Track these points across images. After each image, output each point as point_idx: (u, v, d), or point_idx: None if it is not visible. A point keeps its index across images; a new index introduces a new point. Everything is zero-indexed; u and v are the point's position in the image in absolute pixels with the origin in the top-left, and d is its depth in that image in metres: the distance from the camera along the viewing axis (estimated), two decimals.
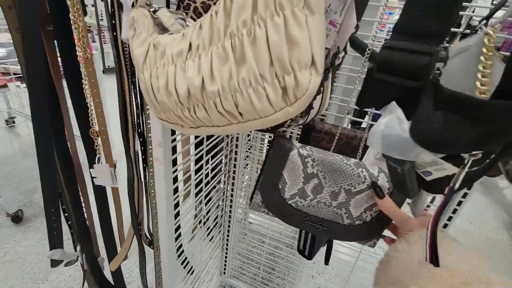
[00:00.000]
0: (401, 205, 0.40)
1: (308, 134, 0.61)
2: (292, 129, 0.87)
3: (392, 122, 0.24)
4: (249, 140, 0.97)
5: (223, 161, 0.84)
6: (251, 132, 0.94)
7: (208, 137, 0.67)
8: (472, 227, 1.78)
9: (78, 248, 0.79)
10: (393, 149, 0.25)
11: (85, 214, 0.76)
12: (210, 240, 0.99)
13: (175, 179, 0.55)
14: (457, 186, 0.24)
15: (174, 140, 0.52)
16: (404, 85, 0.23)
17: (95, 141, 0.60)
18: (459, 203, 0.61)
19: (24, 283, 1.08)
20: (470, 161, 0.23)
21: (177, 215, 0.61)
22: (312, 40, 0.21)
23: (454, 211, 0.63)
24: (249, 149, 1.03)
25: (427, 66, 0.22)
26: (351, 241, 0.47)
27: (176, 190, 0.57)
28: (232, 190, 0.88)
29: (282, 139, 0.46)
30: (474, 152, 0.22)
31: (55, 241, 0.69)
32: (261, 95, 0.23)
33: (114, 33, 0.41)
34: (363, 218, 0.43)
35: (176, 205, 0.59)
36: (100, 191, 0.71)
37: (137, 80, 0.51)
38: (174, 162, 0.58)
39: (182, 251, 0.87)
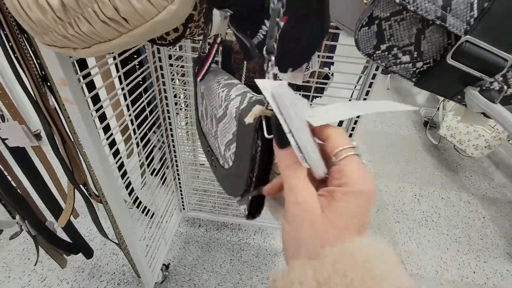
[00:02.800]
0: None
1: (229, 56, 0.62)
2: None
3: None
4: (183, 74, 0.94)
5: (157, 99, 0.82)
6: (182, 67, 0.91)
7: (127, 75, 0.63)
8: (390, 129, 2.13)
9: (17, 217, 0.75)
10: None
11: (12, 181, 0.70)
12: (162, 182, 1.02)
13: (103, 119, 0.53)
14: (211, 32, 0.31)
15: (88, 75, 0.49)
16: None
17: None
18: (367, 93, 0.72)
19: None
20: (223, 16, 0.29)
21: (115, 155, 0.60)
22: None
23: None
24: (184, 84, 1.01)
25: None
26: (228, 194, 0.34)
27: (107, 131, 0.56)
28: (171, 130, 0.88)
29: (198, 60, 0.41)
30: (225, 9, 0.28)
31: None
32: None
33: None
34: (227, 160, 0.31)
35: (113, 144, 0.58)
36: (19, 154, 0.65)
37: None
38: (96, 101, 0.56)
39: (137, 199, 0.90)
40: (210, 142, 0.37)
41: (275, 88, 0.20)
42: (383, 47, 0.28)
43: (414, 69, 0.28)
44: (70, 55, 0.30)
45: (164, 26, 0.26)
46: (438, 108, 1.91)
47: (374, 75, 0.70)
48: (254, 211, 0.28)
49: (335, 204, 0.19)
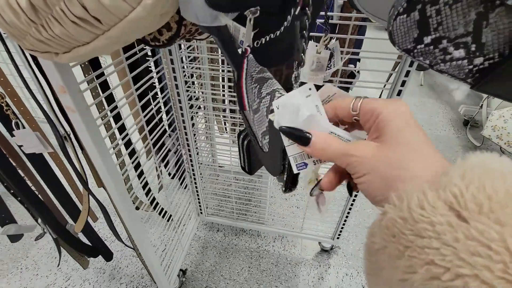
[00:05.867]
0: None
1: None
2: None
3: None
4: (198, 76, 0.91)
5: (171, 101, 0.79)
6: (198, 69, 0.88)
7: (137, 78, 0.61)
8: (423, 128, 1.96)
9: (39, 220, 0.77)
10: (195, 14, 0.23)
11: (32, 186, 0.71)
12: (180, 184, 1.01)
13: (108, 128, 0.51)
14: (245, 44, 0.25)
15: (100, 76, 0.46)
16: None
17: (2, 104, 0.53)
18: (399, 93, 0.63)
19: (5, 264, 1.08)
20: (252, 18, 0.22)
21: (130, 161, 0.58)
22: None
23: None
24: (201, 85, 0.98)
25: None
26: (268, 171, 0.37)
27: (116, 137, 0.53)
28: (186, 134, 0.86)
29: None
30: (251, 9, 0.22)
31: (3, 218, 0.66)
32: None
33: None
34: (263, 146, 0.35)
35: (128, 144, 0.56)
36: (37, 160, 0.66)
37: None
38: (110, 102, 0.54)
39: (154, 199, 0.89)
40: (250, 123, 0.39)
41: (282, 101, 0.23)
42: (428, 39, 0.21)
43: (471, 67, 0.21)
44: (52, 60, 0.27)
45: (143, 25, 0.22)
46: (481, 106, 1.71)
47: (408, 72, 0.61)
48: (290, 186, 0.31)
49: (387, 133, 0.19)
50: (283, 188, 0.32)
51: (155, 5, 0.20)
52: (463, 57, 0.21)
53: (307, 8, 0.22)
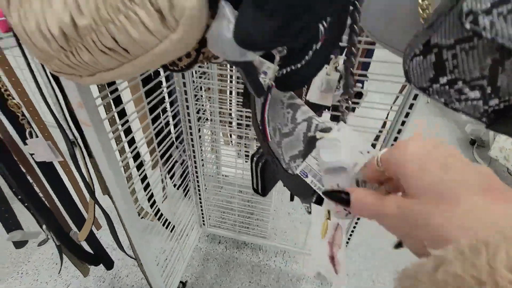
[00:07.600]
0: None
1: None
2: None
3: (221, 22, 0.22)
4: (207, 89, 0.93)
5: (180, 114, 0.81)
6: (208, 75, 0.89)
7: (149, 93, 0.62)
8: None
9: (44, 226, 0.77)
10: (223, 51, 0.23)
11: (40, 192, 0.72)
12: (184, 195, 1.01)
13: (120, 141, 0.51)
14: (268, 81, 0.26)
15: (113, 92, 0.48)
16: None
17: (18, 114, 0.54)
18: (403, 123, 0.64)
19: (6, 268, 1.08)
20: (278, 57, 0.24)
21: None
22: None
23: (399, 131, 0.66)
24: (209, 99, 1.00)
25: None
26: (292, 192, 0.39)
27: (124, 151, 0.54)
28: (193, 146, 0.86)
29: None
30: (279, 48, 0.23)
31: (11, 224, 0.66)
32: (135, 22, 0.20)
33: None
34: (291, 168, 0.36)
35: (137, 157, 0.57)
36: (46, 168, 0.67)
37: None
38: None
39: (159, 211, 0.89)
40: (272, 149, 0.40)
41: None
42: (443, 80, 0.21)
43: (486, 107, 0.22)
44: (75, 81, 0.28)
45: (168, 55, 0.23)
46: None
47: (416, 95, 0.62)
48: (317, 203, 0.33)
49: (404, 182, 0.17)
50: (309, 210, 0.34)
51: (181, 40, 0.21)
52: (478, 97, 0.21)
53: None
